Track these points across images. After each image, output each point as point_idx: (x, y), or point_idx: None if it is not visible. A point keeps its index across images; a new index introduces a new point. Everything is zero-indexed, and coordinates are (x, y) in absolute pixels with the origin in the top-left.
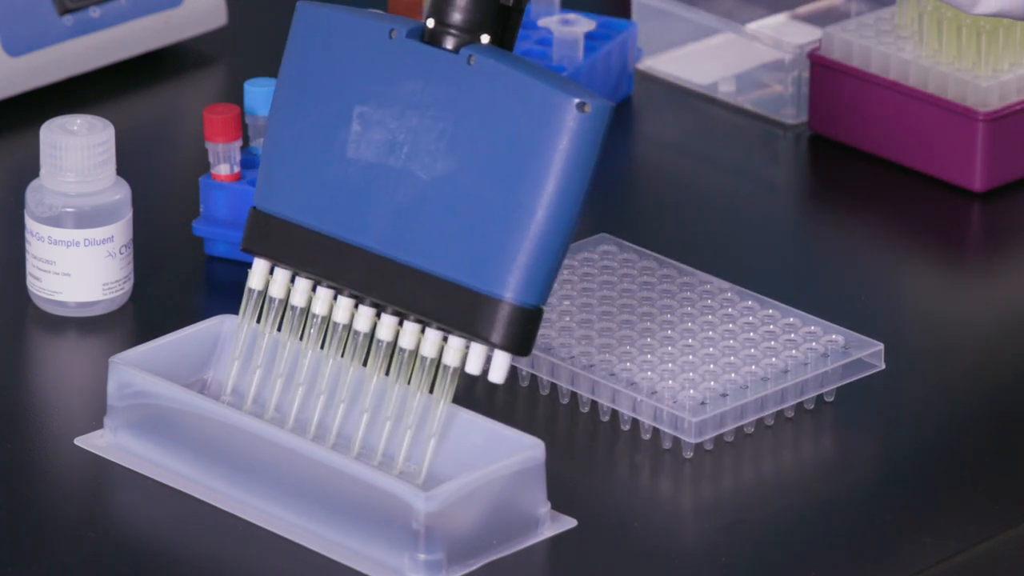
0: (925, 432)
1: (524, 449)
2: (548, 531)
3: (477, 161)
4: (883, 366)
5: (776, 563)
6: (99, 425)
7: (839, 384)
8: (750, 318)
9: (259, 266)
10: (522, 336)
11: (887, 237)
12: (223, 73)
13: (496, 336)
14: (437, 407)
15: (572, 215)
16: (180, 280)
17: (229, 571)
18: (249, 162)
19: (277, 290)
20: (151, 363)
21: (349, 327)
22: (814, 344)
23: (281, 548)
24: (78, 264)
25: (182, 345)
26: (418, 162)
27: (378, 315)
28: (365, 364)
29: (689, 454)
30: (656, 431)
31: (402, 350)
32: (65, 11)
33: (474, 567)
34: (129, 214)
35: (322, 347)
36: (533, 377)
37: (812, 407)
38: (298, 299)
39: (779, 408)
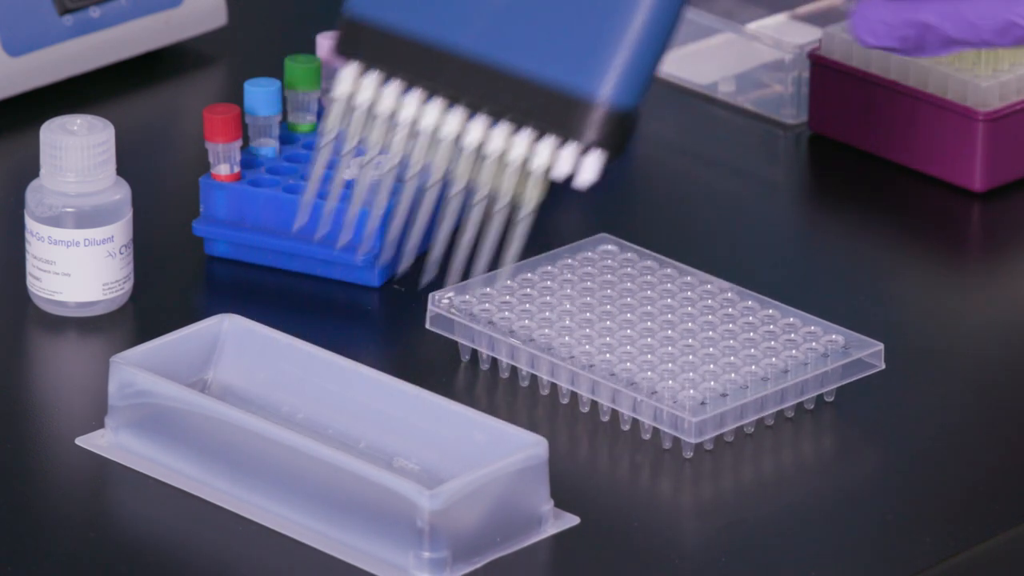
0: (925, 432)
1: (527, 447)
2: (551, 529)
3: None
4: (883, 366)
5: (776, 563)
6: (100, 425)
7: (839, 384)
8: (750, 318)
9: (348, 71)
10: (617, 137)
11: (887, 237)
12: (223, 73)
13: (590, 135)
14: (526, 207)
15: (670, 18)
16: (180, 280)
17: (232, 570)
18: (249, 162)
19: (366, 95)
20: (152, 363)
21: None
22: (814, 344)
23: (284, 547)
24: (78, 264)
25: (182, 345)
26: None
27: (468, 119)
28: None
29: (689, 454)
30: (656, 431)
31: (491, 154)
32: (65, 11)
33: (478, 565)
34: (129, 214)
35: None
36: (533, 377)
37: (812, 407)
38: (387, 103)
39: (779, 408)
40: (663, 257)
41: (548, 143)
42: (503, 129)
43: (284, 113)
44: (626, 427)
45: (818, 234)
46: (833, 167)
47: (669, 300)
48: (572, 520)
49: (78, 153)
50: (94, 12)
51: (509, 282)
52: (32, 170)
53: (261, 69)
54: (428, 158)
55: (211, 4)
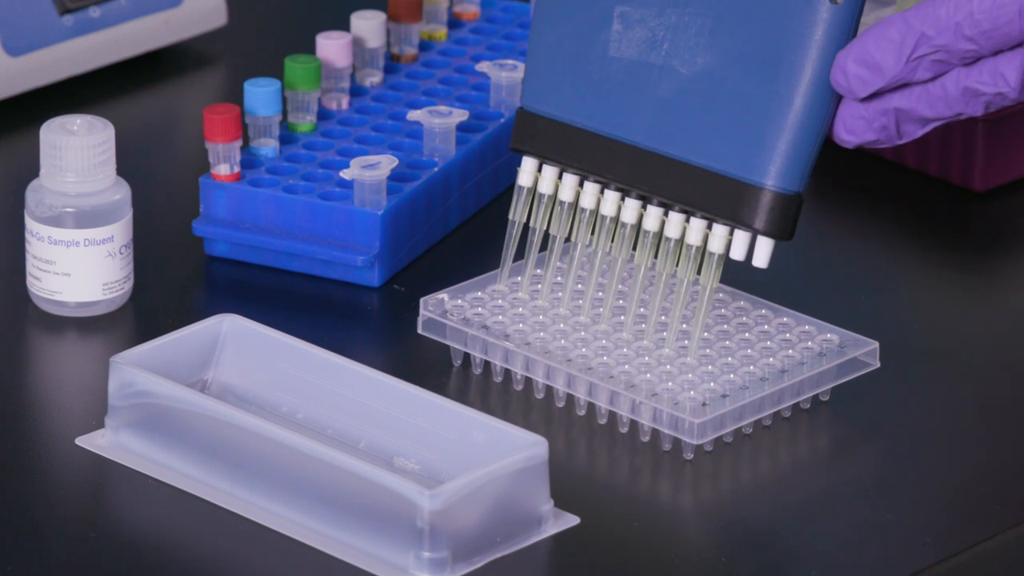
0: (921, 431)
1: (527, 447)
2: (551, 529)
3: (735, 54)
4: (878, 364)
5: (776, 563)
6: (100, 425)
7: (836, 383)
8: (744, 318)
9: (528, 164)
10: (784, 221)
11: (887, 237)
12: (223, 73)
13: (760, 222)
14: (705, 289)
15: (828, 101)
16: (180, 280)
17: (232, 570)
18: (249, 162)
19: (546, 186)
20: (152, 363)
21: (616, 220)
22: (810, 344)
23: (284, 547)
24: (78, 264)
25: (182, 345)
26: (679, 58)
27: (644, 208)
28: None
29: (690, 455)
30: (655, 433)
31: (668, 239)
32: (65, 11)
33: (478, 565)
34: (129, 214)
35: (589, 243)
36: (527, 380)
37: (808, 407)
38: (567, 194)
39: (777, 408)
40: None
41: (722, 228)
42: (678, 216)
43: (284, 113)
44: (624, 430)
45: (818, 234)
46: (833, 167)
47: (665, 302)
48: (572, 520)
49: (78, 153)
50: (94, 12)
51: (501, 286)
52: (32, 170)
53: (261, 69)
54: (609, 245)
55: (211, 4)
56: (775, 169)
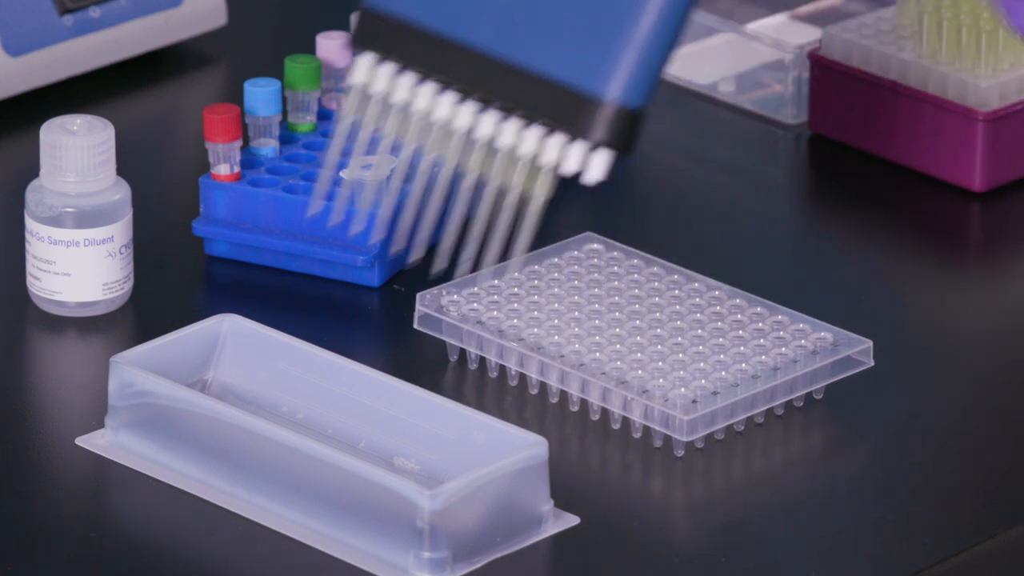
0: (916, 430)
1: (527, 447)
2: (551, 528)
3: None
4: (872, 363)
5: (777, 562)
6: (100, 425)
7: (828, 381)
8: (738, 316)
9: (364, 61)
10: (625, 135)
11: (887, 237)
12: (223, 73)
13: (599, 133)
14: (536, 201)
15: (678, 18)
16: (180, 280)
17: (232, 570)
18: (249, 162)
19: (381, 84)
20: (152, 363)
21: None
22: (803, 342)
23: (285, 547)
24: (78, 264)
25: (182, 345)
26: None
27: (479, 113)
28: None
29: (680, 452)
30: (647, 429)
31: (500, 147)
32: (65, 11)
33: (478, 565)
34: (129, 214)
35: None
36: (522, 376)
37: (801, 405)
38: (401, 94)
39: (769, 406)
40: (650, 256)
41: (558, 139)
42: (514, 124)
43: (284, 113)
44: (616, 426)
45: (818, 234)
46: (833, 167)
47: (657, 299)
48: (572, 520)
49: (78, 153)
50: (94, 12)
51: (496, 282)
52: (32, 170)
53: (261, 69)
54: (440, 150)
55: (211, 4)
56: (619, 80)
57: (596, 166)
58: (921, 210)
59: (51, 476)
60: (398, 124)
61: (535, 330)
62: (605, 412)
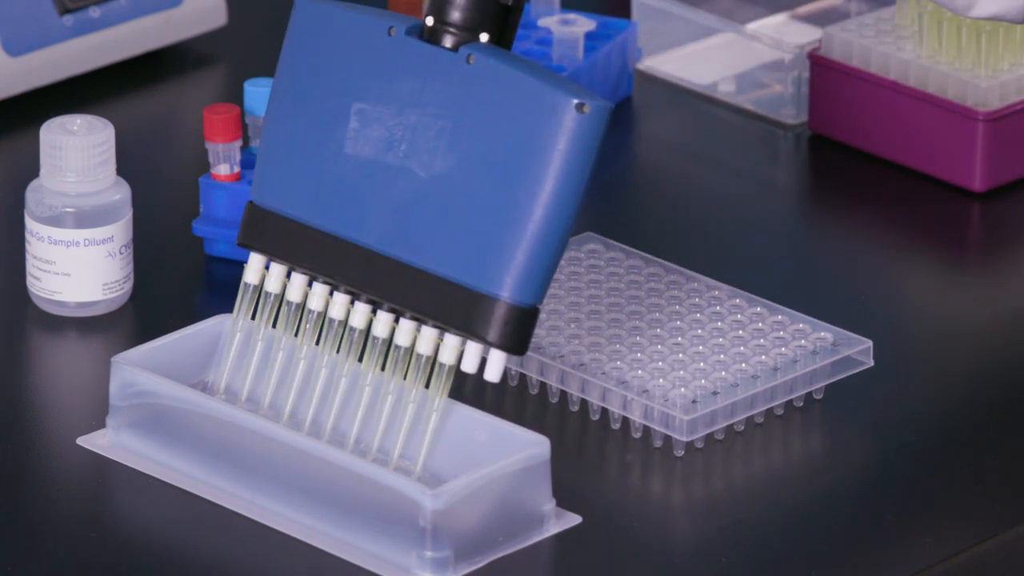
0: (915, 430)
1: (529, 446)
2: (553, 528)
3: (475, 160)
4: (871, 363)
5: (777, 562)
6: (100, 425)
7: (828, 381)
8: (738, 316)
9: (255, 261)
10: (518, 335)
11: (887, 237)
12: (223, 73)
13: (492, 335)
14: (432, 404)
15: (569, 215)
16: (180, 280)
17: (234, 570)
18: (249, 162)
19: (273, 285)
20: (152, 363)
21: (345, 324)
22: (803, 342)
23: (286, 546)
24: (78, 264)
25: (183, 345)
26: (416, 160)
27: (374, 312)
28: (361, 361)
29: (680, 452)
30: (647, 429)
31: (398, 347)
32: (65, 11)
33: (480, 564)
34: (129, 214)
35: (317, 343)
36: (522, 376)
37: (801, 404)
38: (294, 295)
39: (769, 406)
40: (649, 256)
41: (453, 339)
42: (408, 324)
43: None
44: (616, 426)
45: (817, 234)
46: (833, 167)
47: (656, 299)
48: (574, 519)
49: (78, 153)
50: (94, 12)
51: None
52: (32, 170)
53: (261, 69)
54: (335, 350)
55: (211, 4)
56: (511, 281)
57: (493, 366)
58: (921, 210)
59: (52, 476)
60: (292, 324)
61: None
62: (605, 412)
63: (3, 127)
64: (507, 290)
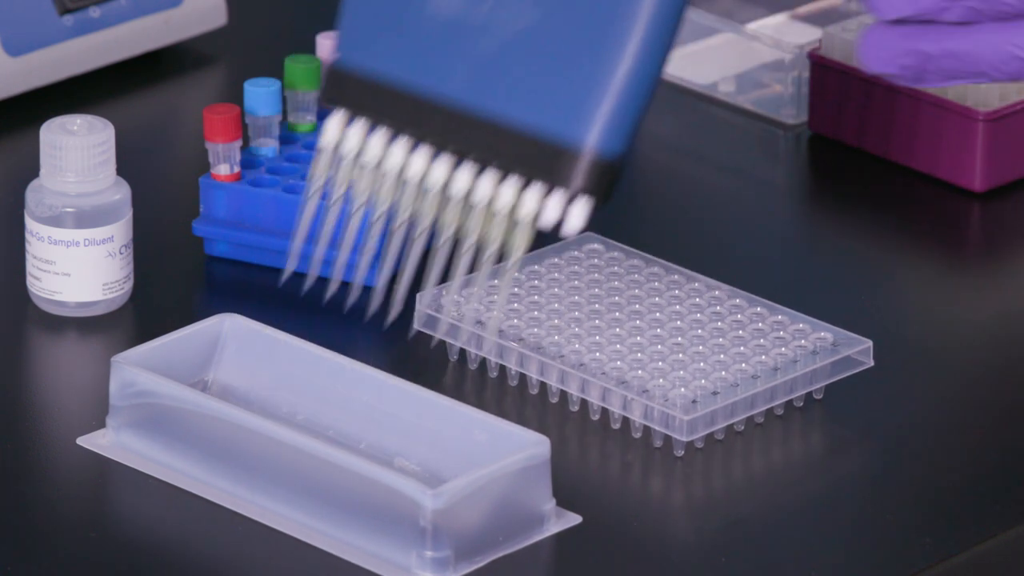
0: (915, 430)
1: (530, 446)
2: (553, 528)
3: (561, 12)
4: (871, 363)
5: (777, 563)
6: (100, 425)
7: (828, 381)
8: (738, 316)
9: (335, 119)
10: (604, 184)
11: (887, 237)
12: (223, 73)
13: (579, 184)
14: (513, 257)
15: (658, 64)
16: (180, 280)
17: (233, 570)
18: (249, 162)
19: (353, 143)
20: (152, 363)
21: (425, 179)
22: (803, 342)
23: (286, 546)
24: (78, 264)
25: (183, 345)
26: (502, 14)
27: (457, 167)
28: (441, 217)
29: (680, 452)
30: (647, 429)
31: (481, 201)
32: (65, 11)
33: (481, 564)
34: (129, 214)
35: (397, 201)
36: (522, 376)
37: (801, 405)
38: (375, 151)
39: (769, 406)
40: (650, 256)
41: (535, 191)
42: (490, 177)
43: (284, 113)
44: (616, 426)
45: (817, 234)
46: (833, 167)
47: (657, 299)
48: (574, 519)
49: (78, 153)
50: (94, 12)
51: (496, 282)
52: (32, 170)
53: (261, 69)
54: (416, 206)
55: (211, 4)
56: (597, 130)
57: (575, 216)
58: (921, 210)
59: (52, 476)
60: (371, 183)
61: (535, 330)
62: (605, 412)
63: (3, 127)
64: (593, 139)
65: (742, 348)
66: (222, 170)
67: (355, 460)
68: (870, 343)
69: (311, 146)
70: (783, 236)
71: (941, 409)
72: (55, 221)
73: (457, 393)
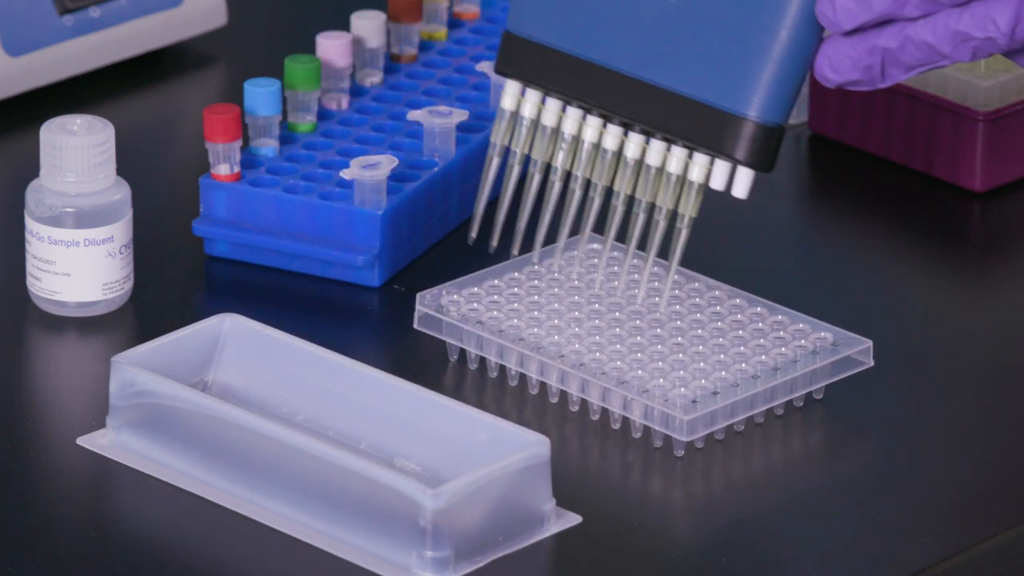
0: (915, 430)
1: (529, 446)
2: (553, 527)
3: None
4: (871, 363)
5: (777, 563)
6: (100, 425)
7: (828, 381)
8: (738, 316)
9: (512, 87)
10: (766, 152)
11: (887, 237)
12: (223, 73)
13: (741, 152)
14: (682, 220)
15: (813, 35)
16: (180, 280)
17: (234, 570)
18: (249, 162)
19: (529, 110)
20: (152, 363)
21: (597, 145)
22: (803, 342)
23: (286, 546)
24: (78, 264)
25: (183, 345)
26: None
27: (626, 134)
28: (612, 183)
29: (680, 452)
30: (647, 429)
31: (648, 167)
32: (65, 11)
33: (481, 564)
34: (129, 214)
35: (570, 168)
36: (522, 376)
37: (801, 404)
38: (549, 119)
39: (769, 406)
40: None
41: (702, 158)
42: (659, 144)
43: (284, 113)
44: (616, 426)
45: (817, 234)
46: (833, 167)
47: (657, 299)
48: (574, 519)
49: (78, 153)
50: (94, 12)
51: (496, 281)
52: (32, 170)
53: (261, 69)
54: (588, 171)
55: (211, 4)
56: (758, 100)
57: (741, 183)
58: (921, 210)
59: (52, 476)
60: (548, 147)
61: (535, 330)
62: (605, 412)
63: (3, 127)
64: (755, 109)
65: (742, 348)
66: (222, 170)
67: (355, 460)
68: (870, 343)
69: (311, 146)
70: (783, 236)
71: (941, 409)
72: (55, 221)
73: (457, 393)
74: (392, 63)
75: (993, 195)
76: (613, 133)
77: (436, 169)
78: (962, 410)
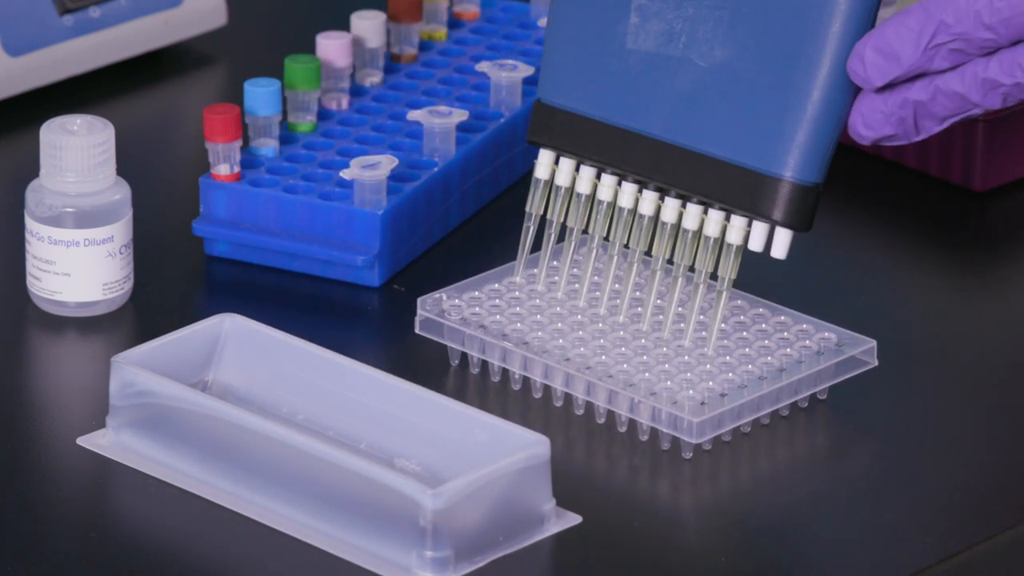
0: (919, 430)
1: (529, 446)
2: (553, 528)
3: (752, 47)
4: (876, 363)
5: (777, 563)
6: (100, 425)
7: (833, 382)
8: (741, 317)
9: (545, 156)
10: (803, 212)
11: (887, 237)
12: (223, 73)
13: (779, 214)
14: (722, 284)
15: (846, 93)
16: (180, 280)
17: (234, 570)
18: (249, 162)
19: (563, 179)
20: (152, 363)
21: (634, 212)
22: (807, 342)
23: (286, 546)
24: (78, 264)
25: (183, 345)
26: (696, 51)
27: (662, 200)
28: (649, 249)
29: (688, 454)
30: (654, 432)
31: (686, 231)
32: (65, 11)
33: (481, 564)
34: (129, 214)
35: (608, 233)
36: (525, 380)
37: (806, 405)
38: (584, 186)
39: (775, 407)
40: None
41: (740, 220)
42: (695, 208)
43: (284, 113)
44: (623, 429)
45: (819, 234)
46: (833, 167)
47: (659, 300)
48: (574, 519)
49: (78, 153)
50: (94, 12)
51: (496, 285)
52: (32, 170)
53: (261, 69)
54: (626, 236)
55: (211, 4)
56: (793, 160)
57: (780, 243)
58: (921, 210)
59: (52, 476)
60: (584, 214)
61: (539, 333)
62: (611, 415)
63: (3, 127)
64: (790, 170)
65: (747, 350)
66: (222, 170)
67: (355, 460)
68: (874, 343)
69: (311, 146)
70: None
71: (943, 408)
72: (55, 221)
73: (460, 397)
74: (392, 63)
75: (993, 195)
76: (648, 198)
77: (436, 169)
78: (964, 409)
